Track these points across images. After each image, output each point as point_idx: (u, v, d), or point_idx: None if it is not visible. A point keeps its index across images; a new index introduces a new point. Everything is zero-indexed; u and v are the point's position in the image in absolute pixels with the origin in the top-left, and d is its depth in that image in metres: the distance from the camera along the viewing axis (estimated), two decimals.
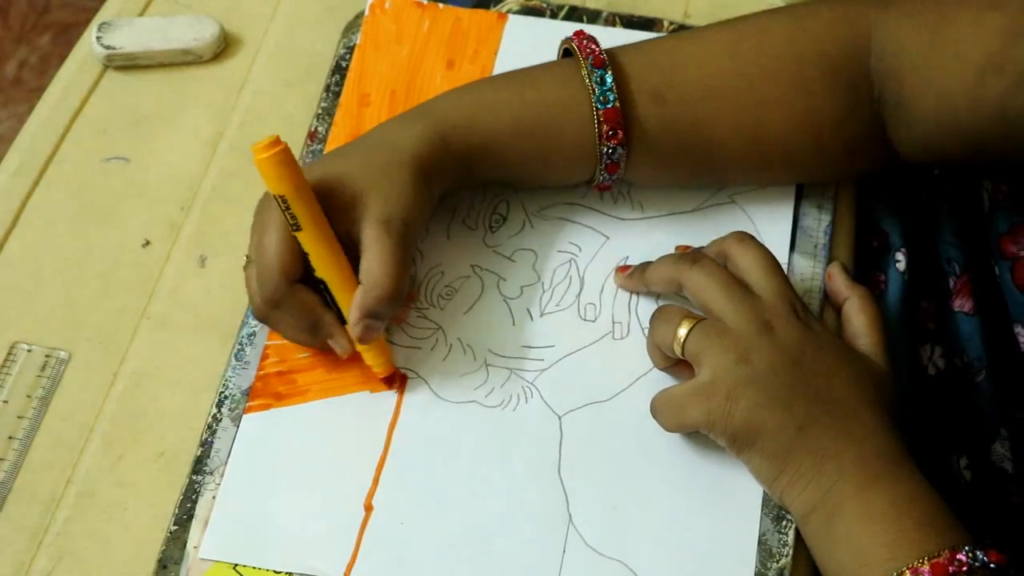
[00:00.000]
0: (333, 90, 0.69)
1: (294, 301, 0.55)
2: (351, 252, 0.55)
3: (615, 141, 0.58)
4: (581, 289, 0.61)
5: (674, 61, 0.59)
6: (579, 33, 0.60)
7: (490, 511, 0.55)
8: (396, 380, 0.58)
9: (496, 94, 0.59)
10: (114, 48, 0.70)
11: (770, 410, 0.52)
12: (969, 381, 0.64)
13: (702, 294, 0.55)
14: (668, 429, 0.55)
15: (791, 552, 0.54)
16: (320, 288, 0.55)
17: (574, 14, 0.72)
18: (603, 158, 0.59)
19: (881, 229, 0.66)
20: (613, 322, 0.60)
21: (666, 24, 0.71)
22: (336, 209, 0.54)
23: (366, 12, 0.72)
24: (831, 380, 0.53)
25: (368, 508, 0.55)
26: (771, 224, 0.63)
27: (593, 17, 0.72)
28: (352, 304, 0.54)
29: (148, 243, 0.64)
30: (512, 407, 0.58)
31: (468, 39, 0.71)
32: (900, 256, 0.65)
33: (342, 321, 0.56)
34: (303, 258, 0.55)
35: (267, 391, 0.58)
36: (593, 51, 0.58)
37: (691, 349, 0.54)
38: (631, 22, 0.72)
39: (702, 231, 0.62)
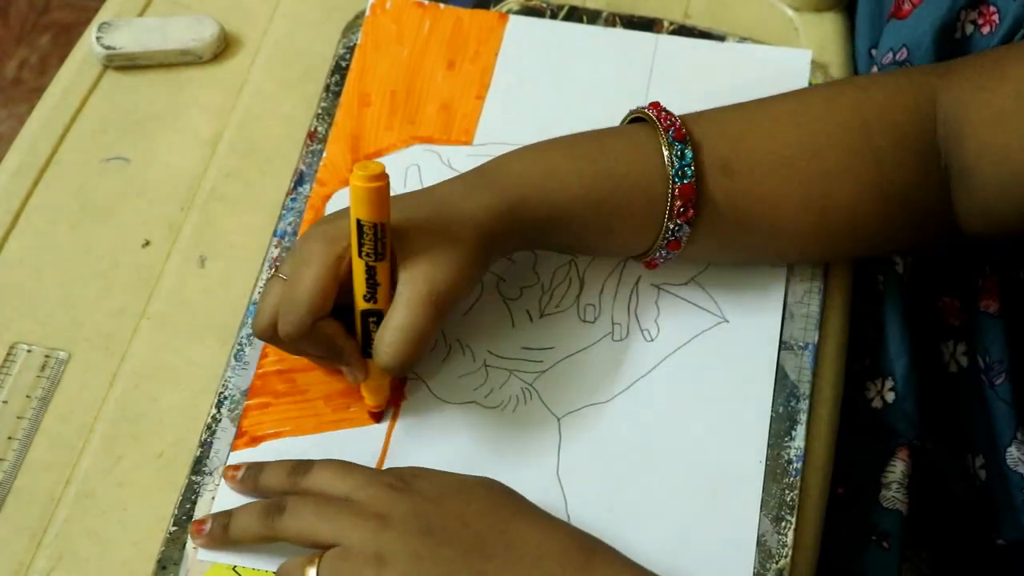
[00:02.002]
0: (333, 90, 0.69)
1: (313, 335, 0.53)
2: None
3: (684, 218, 0.56)
4: (580, 290, 0.61)
5: (743, 130, 0.57)
6: (656, 105, 0.57)
7: None
8: (383, 417, 0.58)
9: (568, 162, 0.56)
10: (114, 48, 0.70)
11: None
12: (989, 382, 0.64)
13: (304, 537, 0.51)
14: None
15: (790, 553, 0.54)
16: (360, 317, 0.54)
17: (574, 14, 0.72)
18: (667, 234, 0.57)
19: None
20: (612, 323, 0.60)
21: (666, 24, 0.71)
22: None
23: (367, 12, 0.72)
24: (468, 524, 0.50)
25: None
26: None
27: (593, 17, 0.72)
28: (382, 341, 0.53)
29: (148, 243, 0.64)
30: (511, 409, 0.58)
31: (469, 40, 0.71)
32: (897, 259, 0.65)
33: (363, 350, 0.55)
34: (335, 295, 0.53)
35: (266, 389, 0.58)
36: (673, 123, 0.56)
37: None
38: (631, 22, 0.72)
39: None
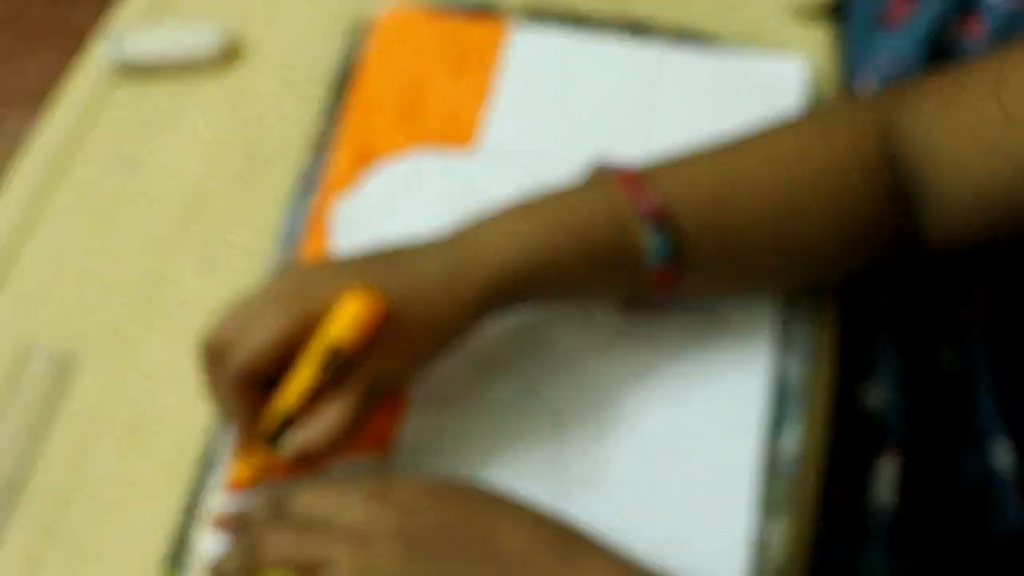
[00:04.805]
0: (336, 96, 0.69)
1: (243, 391, 0.51)
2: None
3: (662, 293, 0.56)
4: None
5: (726, 196, 0.55)
6: (627, 179, 0.54)
7: None
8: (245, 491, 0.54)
9: (554, 237, 0.53)
10: (123, 56, 0.71)
11: None
12: (974, 382, 0.64)
13: (292, 564, 0.49)
14: None
15: (784, 551, 0.54)
16: (280, 417, 0.51)
17: (568, 16, 0.72)
18: (644, 302, 0.57)
19: None
20: (612, 323, 0.60)
21: (660, 28, 0.71)
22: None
23: (373, 21, 0.72)
24: (452, 533, 0.49)
25: None
26: None
27: (588, 20, 0.72)
28: (297, 439, 0.51)
29: (154, 247, 0.65)
30: (508, 407, 0.58)
31: (473, 50, 0.71)
32: None
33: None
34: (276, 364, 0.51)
35: None
36: (650, 203, 0.54)
37: None
38: (626, 26, 0.72)
39: None
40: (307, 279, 0.52)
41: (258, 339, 0.50)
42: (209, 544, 0.54)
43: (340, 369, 0.50)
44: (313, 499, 0.51)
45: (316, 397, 0.51)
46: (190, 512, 0.55)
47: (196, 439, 0.58)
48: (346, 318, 0.49)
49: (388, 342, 0.51)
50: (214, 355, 0.52)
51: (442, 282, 0.52)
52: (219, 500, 0.56)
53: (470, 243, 0.53)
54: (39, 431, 0.58)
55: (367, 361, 0.51)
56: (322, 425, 0.51)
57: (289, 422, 0.51)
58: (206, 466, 0.57)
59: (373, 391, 0.52)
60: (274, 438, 0.52)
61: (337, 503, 0.50)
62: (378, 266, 0.53)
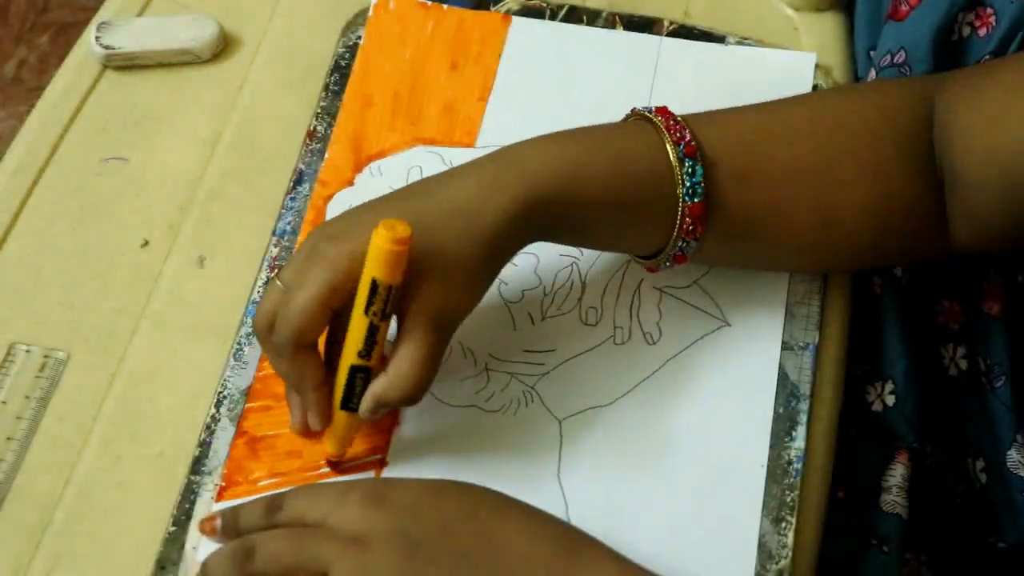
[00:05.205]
0: (332, 89, 0.69)
1: (295, 361, 0.52)
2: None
3: (693, 236, 0.55)
4: (583, 293, 0.61)
5: (759, 138, 0.56)
6: (664, 112, 0.55)
7: None
8: (340, 468, 0.55)
9: (591, 160, 0.54)
10: (113, 48, 0.70)
11: None
12: (989, 385, 0.64)
13: (288, 573, 0.49)
14: None
15: (790, 554, 0.54)
16: (348, 372, 0.51)
17: (574, 14, 0.72)
18: (675, 249, 0.56)
19: None
20: (615, 327, 0.60)
21: (666, 24, 0.71)
22: None
23: (370, 12, 0.72)
24: (450, 533, 0.48)
25: None
26: None
27: (593, 17, 0.72)
28: (371, 391, 0.51)
29: (147, 243, 0.64)
30: (512, 411, 0.58)
31: (472, 41, 0.70)
32: None
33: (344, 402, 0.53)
34: (326, 324, 0.51)
35: (267, 392, 0.58)
36: (683, 137, 0.54)
37: None
38: (631, 22, 0.71)
39: None
40: (337, 228, 0.52)
41: (300, 301, 0.50)
42: (203, 551, 0.54)
43: (393, 308, 0.49)
44: (307, 502, 0.51)
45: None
46: (182, 518, 0.55)
47: (189, 441, 0.57)
48: (374, 253, 0.48)
49: (432, 269, 0.50)
50: (265, 333, 0.51)
51: (476, 202, 0.51)
52: (214, 506, 0.55)
53: (504, 163, 0.53)
54: (26, 432, 0.58)
55: (417, 293, 0.50)
56: (393, 371, 0.50)
57: (364, 381, 0.51)
58: (200, 469, 0.56)
59: (441, 329, 0.51)
60: (345, 400, 0.51)
61: (333, 505, 0.49)
62: (408, 197, 0.52)
